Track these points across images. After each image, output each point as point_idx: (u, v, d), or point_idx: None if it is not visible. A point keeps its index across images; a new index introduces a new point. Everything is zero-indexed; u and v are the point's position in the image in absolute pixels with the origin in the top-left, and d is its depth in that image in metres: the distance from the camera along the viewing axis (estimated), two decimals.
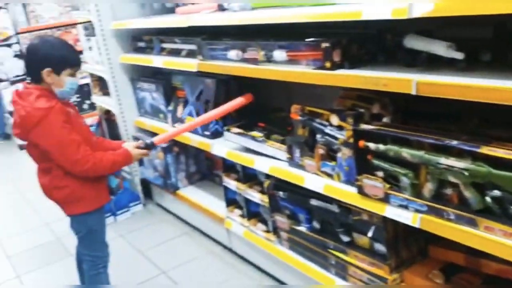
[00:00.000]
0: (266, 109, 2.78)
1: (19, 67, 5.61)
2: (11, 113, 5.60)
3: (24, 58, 2.18)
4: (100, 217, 2.29)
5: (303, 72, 1.92)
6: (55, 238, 3.46)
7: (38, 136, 2.00)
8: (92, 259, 2.27)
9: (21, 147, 5.29)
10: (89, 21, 3.56)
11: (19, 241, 3.52)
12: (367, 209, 1.82)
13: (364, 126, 1.76)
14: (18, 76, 5.64)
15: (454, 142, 1.48)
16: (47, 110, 1.97)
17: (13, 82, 5.60)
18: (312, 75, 1.87)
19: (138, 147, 2.30)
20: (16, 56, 5.58)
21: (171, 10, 3.14)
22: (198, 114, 2.87)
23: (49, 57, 2.04)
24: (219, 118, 2.69)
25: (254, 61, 2.19)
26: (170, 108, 3.14)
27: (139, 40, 3.36)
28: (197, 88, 2.88)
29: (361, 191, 1.80)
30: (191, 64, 2.64)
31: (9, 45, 5.54)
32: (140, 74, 3.50)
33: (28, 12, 5.54)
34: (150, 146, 2.35)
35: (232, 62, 2.33)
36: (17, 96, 2.05)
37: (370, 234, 1.93)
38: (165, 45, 3.05)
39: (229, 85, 2.75)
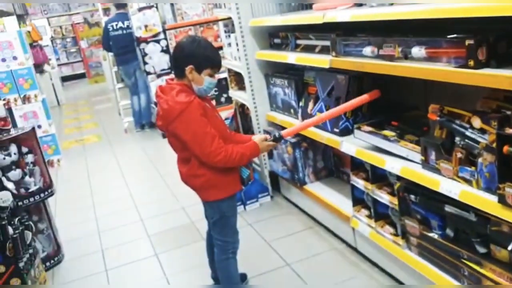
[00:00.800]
0: (400, 107, 2.68)
1: (165, 61, 6.10)
2: (156, 104, 6.14)
3: (172, 54, 2.37)
4: (232, 204, 2.41)
5: (444, 70, 1.81)
6: (190, 221, 3.73)
7: (178, 128, 2.17)
8: (223, 244, 2.41)
9: (164, 135, 5.76)
10: (229, 18, 3.74)
11: (158, 222, 3.85)
12: (509, 220, 1.67)
13: (510, 131, 1.62)
14: (164, 69, 6.14)
15: None
16: (186, 104, 2.13)
17: (159, 75, 6.11)
18: (454, 74, 1.76)
19: (266, 140, 2.39)
20: (163, 51, 6.07)
21: (309, 7, 3.17)
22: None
23: (194, 54, 2.19)
24: (350, 114, 2.67)
25: (391, 57, 2.12)
26: (301, 104, 3.19)
27: (275, 37, 3.45)
28: (328, 85, 2.88)
29: (502, 200, 1.66)
30: (324, 60, 2.64)
31: (157, 41, 6.04)
32: (274, 70, 3.60)
33: (175, 10, 5.98)
34: (278, 139, 2.42)
35: (367, 59, 2.28)
36: (160, 91, 2.25)
37: (510, 247, 1.77)
38: (300, 42, 3.09)
39: (362, 82, 2.70)
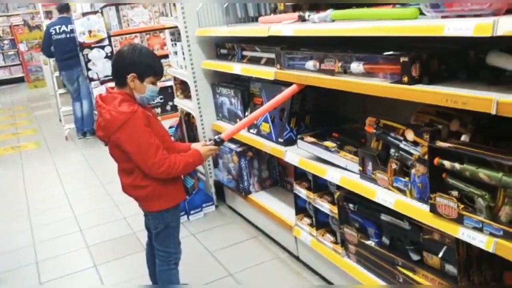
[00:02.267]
0: (340, 119, 2.78)
1: (109, 67, 5.96)
2: None
3: (112, 63, 2.33)
4: (176, 214, 2.40)
5: (380, 85, 1.90)
6: (131, 232, 3.66)
7: (121, 138, 2.14)
8: (165, 255, 2.39)
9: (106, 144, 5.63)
10: (176, 27, 3.74)
11: (98, 233, 3.76)
12: (439, 228, 1.76)
13: (441, 144, 1.72)
14: (108, 76, 6.00)
15: None
16: (130, 114, 2.11)
17: (103, 82, 5.98)
18: (389, 89, 1.85)
19: (206, 145, 2.40)
20: (107, 57, 5.95)
21: (255, 19, 3.22)
22: (273, 121, 2.92)
23: (136, 63, 2.18)
24: (293, 125, 2.73)
25: (331, 72, 2.20)
26: (247, 113, 3.22)
27: (222, 47, 3.48)
28: (273, 96, 2.92)
29: (433, 209, 1.75)
30: (269, 73, 2.69)
31: (102, 47, 5.92)
32: (220, 80, 3.62)
33: (121, 16, 5.89)
34: (218, 143, 2.45)
35: (310, 72, 2.35)
36: (101, 100, 2.20)
37: (441, 254, 1.87)
38: (246, 53, 3.14)
39: (305, 94, 2.78)
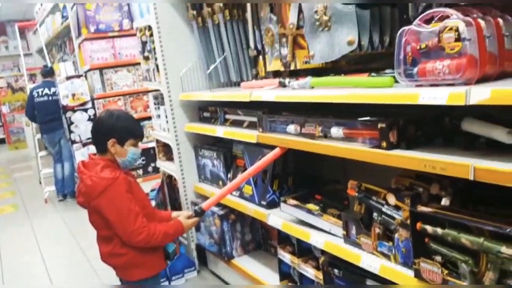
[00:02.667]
0: (322, 181, 2.80)
1: None
2: None
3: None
4: (156, 283, 2.33)
5: (360, 150, 1.94)
6: None
7: (101, 204, 2.12)
8: None
9: None
10: (158, 90, 3.80)
11: None
12: None
13: (422, 208, 1.73)
14: (90, 138, 5.99)
15: None
16: (111, 180, 2.11)
17: (85, 144, 5.97)
18: (368, 154, 1.88)
19: (190, 217, 2.39)
20: (90, 120, 5.97)
21: (237, 84, 3.29)
22: (255, 183, 2.92)
23: (115, 128, 2.21)
24: (276, 187, 2.74)
25: (312, 136, 2.24)
26: (230, 175, 3.23)
27: (205, 111, 3.53)
28: (256, 158, 2.95)
29: (418, 275, 1.74)
30: (251, 135, 2.73)
31: (85, 110, 5.95)
32: (203, 142, 3.64)
33: (105, 80, 5.98)
34: (199, 214, 2.44)
35: (291, 136, 2.39)
36: (83, 166, 2.21)
37: None
38: (228, 116, 3.18)
39: (287, 156, 2.80)
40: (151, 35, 3.68)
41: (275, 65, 2.82)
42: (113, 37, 5.96)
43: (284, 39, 2.57)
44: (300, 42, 2.50)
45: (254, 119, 2.81)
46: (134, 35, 6.00)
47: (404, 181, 2.05)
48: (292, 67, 2.57)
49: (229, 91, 3.11)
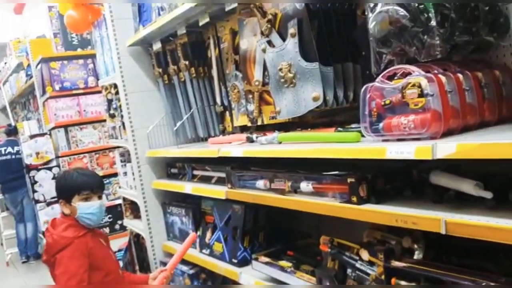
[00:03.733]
0: (294, 235, 2.75)
1: None
2: (43, 233, 5.72)
3: None
4: None
5: (330, 204, 1.92)
6: None
7: (56, 260, 2.08)
8: None
9: None
10: (122, 147, 3.75)
11: None
12: None
13: (396, 263, 1.71)
14: (54, 197, 5.81)
15: (492, 285, 1.41)
16: (71, 240, 2.11)
17: (49, 203, 5.78)
18: (339, 209, 1.87)
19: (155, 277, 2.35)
20: (54, 178, 5.81)
21: (204, 139, 3.27)
22: (226, 240, 2.85)
23: (60, 188, 2.25)
24: (247, 244, 2.68)
25: (282, 191, 2.21)
26: (199, 233, 3.15)
27: (172, 167, 3.48)
28: (225, 214, 2.90)
29: None
30: (220, 192, 2.68)
31: (49, 168, 5.80)
32: (171, 199, 3.57)
33: (70, 137, 5.87)
34: None
35: (260, 191, 2.36)
36: (51, 225, 2.17)
37: None
38: (196, 172, 3.14)
39: (257, 212, 2.76)
40: (117, 93, 3.67)
41: (242, 120, 2.83)
42: (78, 94, 5.91)
43: (250, 96, 2.58)
44: (266, 98, 2.52)
45: (223, 174, 2.77)
46: (100, 92, 6.01)
47: (376, 234, 2.03)
48: (259, 122, 2.58)
49: (197, 147, 3.08)
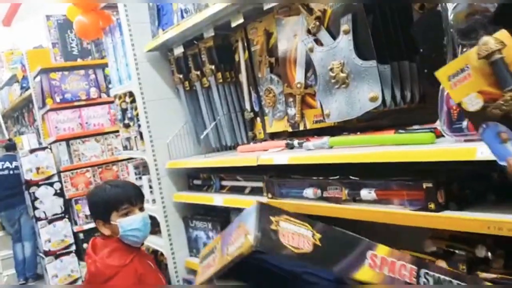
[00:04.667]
0: None
1: (58, 205, 5.58)
2: (46, 253, 5.46)
3: None
4: None
5: (400, 213, 1.77)
6: None
7: None
8: None
9: None
10: (136, 158, 3.56)
11: None
12: None
13: (484, 275, 1.56)
14: (56, 214, 5.58)
15: None
16: (117, 269, 1.84)
17: (51, 221, 5.53)
18: (414, 217, 1.71)
19: None
20: (56, 194, 5.58)
21: (230, 148, 3.11)
22: None
23: (93, 209, 1.98)
24: None
25: (337, 200, 2.06)
26: None
27: (195, 178, 3.30)
28: None
29: None
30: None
31: (50, 184, 5.56)
32: (193, 212, 3.39)
33: (72, 151, 5.65)
34: None
35: (309, 201, 2.20)
36: (91, 247, 1.92)
37: None
38: (225, 183, 2.97)
39: None
40: (132, 101, 3.50)
41: (277, 126, 2.67)
42: (80, 106, 5.71)
43: (291, 99, 2.44)
44: (309, 101, 2.38)
45: (258, 184, 2.61)
46: (102, 103, 5.83)
47: (439, 243, 1.88)
48: (301, 127, 2.42)
49: (225, 156, 2.92)
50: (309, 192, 2.19)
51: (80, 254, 5.38)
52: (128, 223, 1.95)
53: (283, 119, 2.61)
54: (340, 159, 1.99)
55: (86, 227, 5.55)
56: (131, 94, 3.49)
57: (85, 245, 5.28)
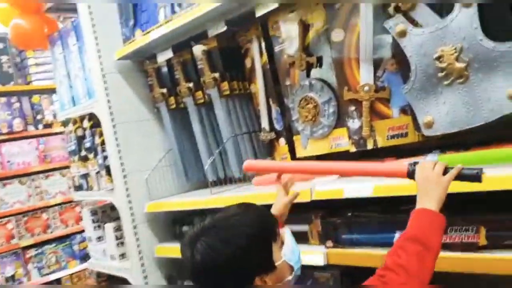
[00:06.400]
0: None
1: None
2: None
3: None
4: None
5: None
6: None
7: None
8: None
9: None
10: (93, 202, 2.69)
11: None
12: None
13: None
14: None
15: None
16: None
17: None
18: None
19: None
20: None
21: (235, 181, 2.36)
22: None
23: (246, 253, 1.16)
24: None
25: (469, 246, 1.40)
26: None
27: (183, 223, 2.51)
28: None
29: None
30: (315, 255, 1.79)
31: None
32: (181, 270, 2.56)
33: None
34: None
35: None
36: None
37: None
38: None
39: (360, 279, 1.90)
40: (93, 126, 2.66)
41: (314, 148, 2.00)
42: (0, 141, 4.63)
43: (352, 108, 1.78)
44: (380, 108, 1.74)
45: (298, 227, 1.89)
46: (29, 137, 4.78)
47: None
48: (369, 146, 1.77)
49: (237, 191, 2.18)
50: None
51: None
52: (291, 250, 1.29)
53: (327, 138, 1.95)
54: (472, 186, 1.35)
55: None
56: (91, 116, 2.65)
57: None
